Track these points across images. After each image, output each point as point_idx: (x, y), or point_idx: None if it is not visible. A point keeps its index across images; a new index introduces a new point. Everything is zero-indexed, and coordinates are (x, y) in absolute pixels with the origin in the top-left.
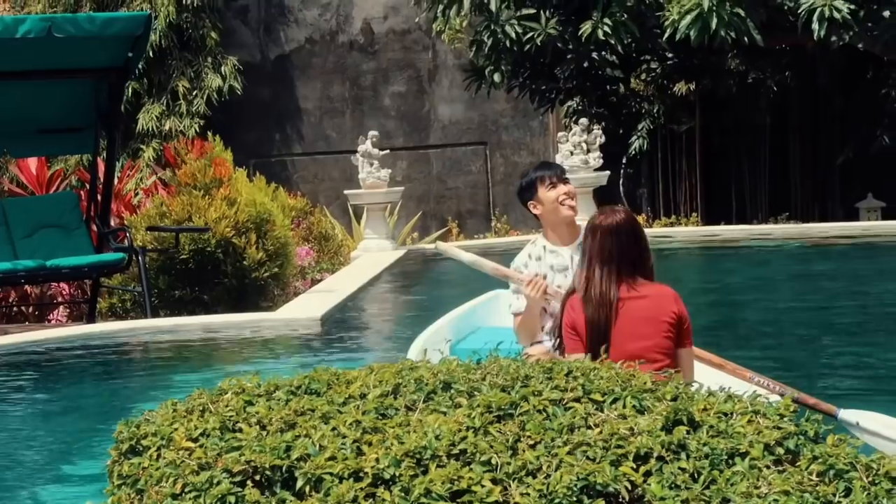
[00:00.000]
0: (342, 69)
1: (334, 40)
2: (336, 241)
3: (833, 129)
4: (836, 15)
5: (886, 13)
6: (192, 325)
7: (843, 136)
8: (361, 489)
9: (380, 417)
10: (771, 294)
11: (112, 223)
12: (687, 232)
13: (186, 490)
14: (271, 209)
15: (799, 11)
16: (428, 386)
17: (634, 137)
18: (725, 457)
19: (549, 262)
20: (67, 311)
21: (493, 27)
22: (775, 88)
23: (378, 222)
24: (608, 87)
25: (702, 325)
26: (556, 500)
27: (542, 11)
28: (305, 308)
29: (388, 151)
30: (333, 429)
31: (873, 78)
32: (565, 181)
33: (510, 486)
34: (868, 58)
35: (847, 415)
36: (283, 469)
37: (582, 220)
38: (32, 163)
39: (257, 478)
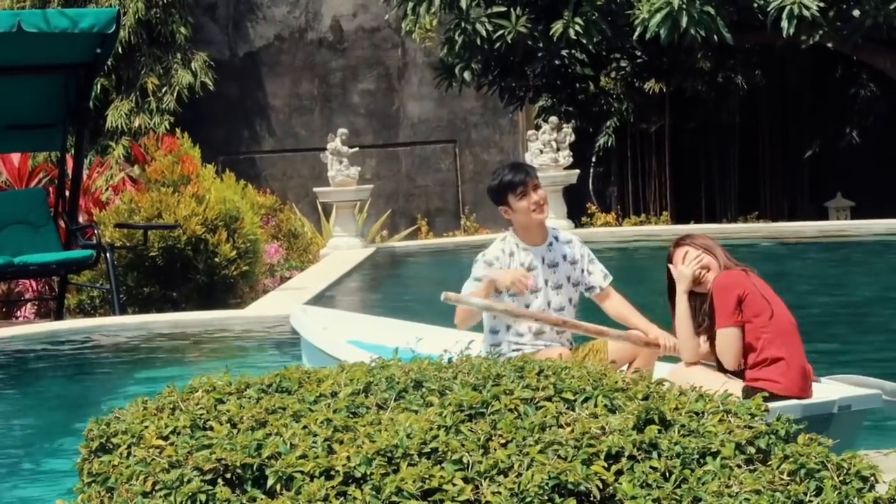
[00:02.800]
0: (311, 66)
1: (303, 38)
2: (305, 239)
3: (802, 129)
4: (806, 13)
5: (856, 12)
6: (160, 322)
7: (812, 135)
8: (332, 487)
9: (351, 416)
10: None
11: (81, 220)
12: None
13: (157, 488)
14: (240, 207)
15: (769, 10)
16: (399, 384)
17: (601, 134)
18: (697, 456)
19: (520, 259)
20: (35, 307)
21: (463, 25)
22: (745, 87)
23: (347, 220)
24: (578, 85)
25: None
26: (528, 499)
27: (512, 9)
28: (274, 306)
29: (357, 149)
30: (304, 427)
31: (843, 77)
32: (536, 187)
33: (481, 484)
34: (837, 57)
35: None
36: (254, 467)
37: (553, 220)
38: (16, 157)
39: (228, 476)
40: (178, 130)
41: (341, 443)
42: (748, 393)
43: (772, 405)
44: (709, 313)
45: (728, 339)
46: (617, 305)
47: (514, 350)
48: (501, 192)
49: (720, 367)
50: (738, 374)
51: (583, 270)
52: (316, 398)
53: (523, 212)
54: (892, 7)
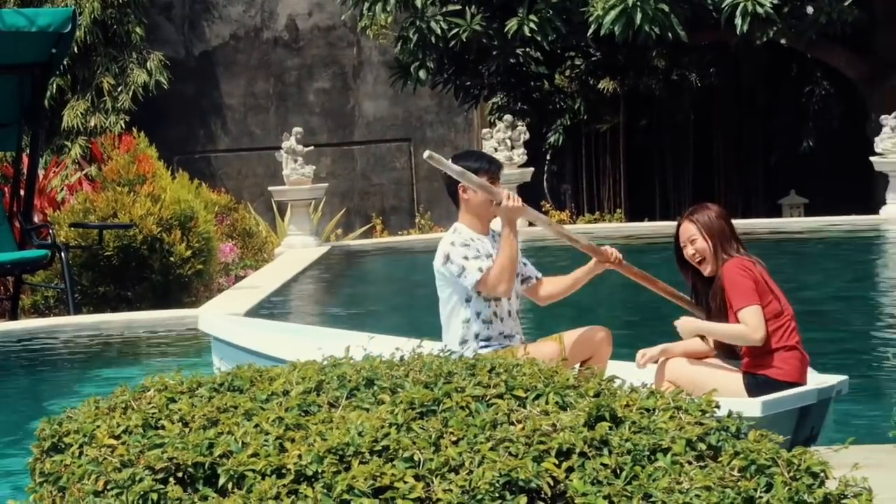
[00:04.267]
0: (267, 65)
1: (259, 37)
2: (260, 238)
3: (757, 126)
4: (760, 10)
5: (810, 9)
6: (115, 321)
7: (767, 132)
8: (284, 486)
9: (303, 414)
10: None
11: (36, 220)
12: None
13: (109, 487)
14: (195, 206)
15: (723, 7)
16: (351, 382)
17: (551, 132)
18: (647, 452)
19: (476, 247)
20: None
21: (418, 23)
22: (699, 85)
23: (302, 219)
24: (533, 83)
25: (626, 321)
26: (479, 496)
27: (467, 7)
28: (229, 305)
29: (312, 148)
30: (256, 426)
31: (797, 75)
32: (498, 179)
33: (433, 482)
34: (792, 54)
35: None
36: (206, 466)
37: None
38: None
39: (180, 475)
40: (134, 130)
41: (293, 441)
42: (750, 381)
43: (790, 392)
44: (715, 298)
45: (756, 316)
46: (549, 285)
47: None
48: (472, 172)
49: (721, 353)
50: (728, 357)
51: (524, 263)
52: (268, 396)
53: (484, 201)
54: (845, 4)
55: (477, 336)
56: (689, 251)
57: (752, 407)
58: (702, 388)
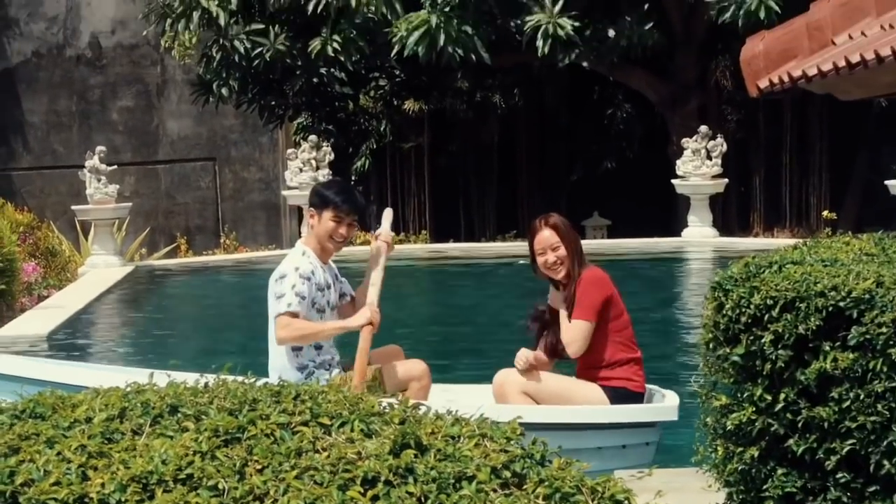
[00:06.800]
0: (69, 83)
1: (61, 54)
2: (63, 257)
3: (560, 148)
4: (561, 32)
5: (611, 32)
6: None
7: (570, 154)
8: None
9: (106, 442)
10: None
11: None
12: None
13: None
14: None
15: (525, 29)
16: (155, 409)
17: (359, 156)
18: (453, 480)
19: (320, 277)
20: None
21: (221, 42)
22: (503, 107)
23: (106, 238)
24: (337, 103)
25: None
26: None
27: (271, 27)
28: (31, 325)
29: (115, 167)
30: (58, 453)
31: (600, 97)
32: (352, 225)
33: None
34: (595, 77)
35: None
36: (7, 494)
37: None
38: None
39: None
40: None
41: (96, 469)
42: (610, 392)
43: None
44: (569, 301)
45: (584, 331)
46: (359, 294)
47: (326, 379)
48: (325, 202)
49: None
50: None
51: (342, 281)
52: (70, 424)
53: (327, 233)
54: (646, 28)
55: (315, 362)
56: (549, 258)
57: (670, 412)
58: (565, 400)
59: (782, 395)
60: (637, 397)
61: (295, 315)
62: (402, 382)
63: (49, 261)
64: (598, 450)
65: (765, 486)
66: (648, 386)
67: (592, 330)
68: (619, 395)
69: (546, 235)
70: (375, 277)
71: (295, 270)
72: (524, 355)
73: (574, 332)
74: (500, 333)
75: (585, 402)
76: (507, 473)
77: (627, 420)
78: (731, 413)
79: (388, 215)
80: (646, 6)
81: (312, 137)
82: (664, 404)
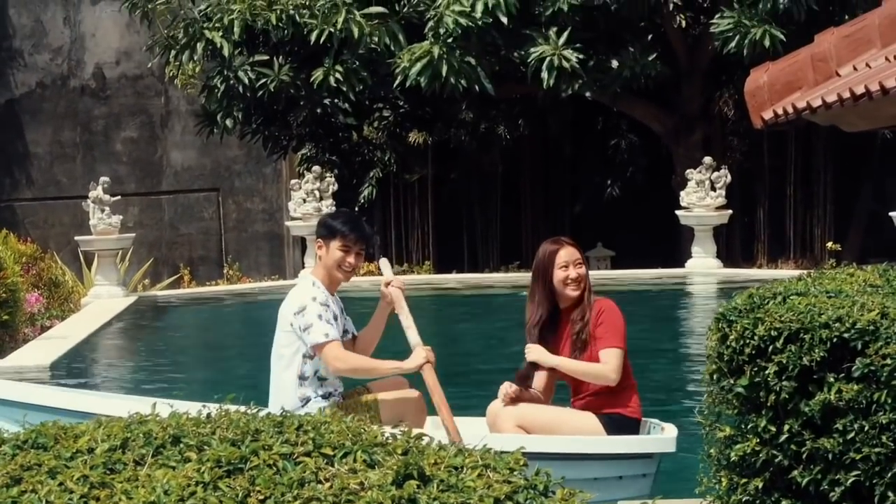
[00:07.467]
0: (74, 114)
1: (66, 85)
2: (66, 288)
3: (564, 178)
4: (566, 64)
5: (614, 63)
6: None
7: (574, 184)
8: None
9: (108, 472)
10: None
11: None
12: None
13: None
14: (3, 256)
15: (529, 61)
16: (157, 440)
17: (364, 186)
18: None
19: (333, 310)
20: None
21: (225, 72)
22: (507, 137)
23: (109, 269)
24: (341, 134)
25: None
26: None
27: (275, 58)
28: (34, 355)
29: (119, 197)
30: (60, 484)
31: (603, 128)
32: (360, 254)
33: None
34: (598, 108)
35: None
36: None
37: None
38: None
39: None
40: None
41: (98, 500)
42: (605, 420)
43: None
44: (576, 327)
45: (619, 359)
46: (364, 335)
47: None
48: (333, 232)
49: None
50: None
51: (346, 318)
52: (72, 454)
53: (335, 263)
54: (649, 58)
55: (317, 393)
56: (572, 273)
57: (668, 443)
58: (559, 431)
59: (786, 427)
60: (633, 424)
61: (335, 342)
62: (398, 412)
63: (52, 291)
64: (594, 480)
65: None
66: (647, 419)
67: (622, 358)
68: (614, 423)
69: (572, 250)
70: (407, 321)
71: (313, 300)
72: (506, 388)
73: (616, 362)
74: (499, 362)
75: (580, 433)
76: None
77: (625, 451)
78: (735, 444)
79: (385, 264)
80: (650, 37)
81: (316, 168)
82: (662, 436)
